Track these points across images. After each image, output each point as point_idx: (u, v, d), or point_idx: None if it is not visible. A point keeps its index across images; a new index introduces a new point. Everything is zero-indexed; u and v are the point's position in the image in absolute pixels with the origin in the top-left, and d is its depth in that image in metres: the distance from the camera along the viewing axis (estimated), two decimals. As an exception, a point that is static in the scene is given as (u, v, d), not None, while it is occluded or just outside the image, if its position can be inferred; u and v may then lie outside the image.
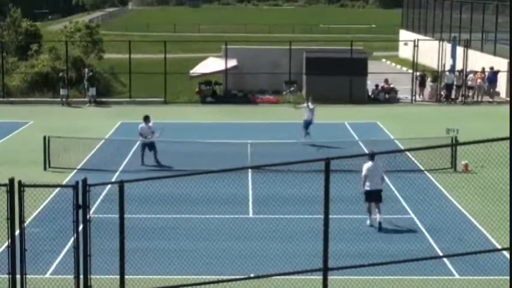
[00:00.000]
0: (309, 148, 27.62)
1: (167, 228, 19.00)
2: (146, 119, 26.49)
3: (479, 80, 40.74)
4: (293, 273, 15.13)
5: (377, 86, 41.17)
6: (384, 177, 19.77)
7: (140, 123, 26.54)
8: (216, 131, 31.42)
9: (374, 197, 19.30)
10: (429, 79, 41.64)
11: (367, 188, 19.29)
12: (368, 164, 19.33)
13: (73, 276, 13.94)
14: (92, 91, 39.33)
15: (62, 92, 39.07)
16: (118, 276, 13.80)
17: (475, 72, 41.05)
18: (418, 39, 42.83)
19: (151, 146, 26.05)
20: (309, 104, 29.66)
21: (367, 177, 19.27)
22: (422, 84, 41.16)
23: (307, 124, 29.27)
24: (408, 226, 19.41)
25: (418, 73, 41.64)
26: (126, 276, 13.88)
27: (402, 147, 26.82)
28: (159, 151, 26.17)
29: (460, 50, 42.39)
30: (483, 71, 40.99)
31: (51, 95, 40.30)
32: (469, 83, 40.88)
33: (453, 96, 40.88)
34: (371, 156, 19.20)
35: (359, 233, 18.69)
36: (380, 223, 19.06)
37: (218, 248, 17.54)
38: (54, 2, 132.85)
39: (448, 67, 41.74)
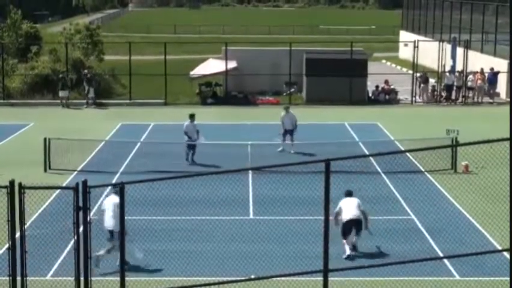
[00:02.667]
0: (309, 149, 27.56)
1: (167, 229, 19.00)
2: (192, 117, 26.53)
3: (479, 81, 40.72)
4: (294, 274, 15.12)
5: (377, 87, 41.15)
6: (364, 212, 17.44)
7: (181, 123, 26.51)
8: (216, 132, 31.38)
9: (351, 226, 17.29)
10: (433, 80, 41.57)
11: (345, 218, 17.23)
12: (344, 200, 17.52)
13: (73, 278, 13.96)
14: (91, 92, 39.31)
15: (62, 93, 39.02)
16: (118, 278, 13.82)
17: (474, 73, 41.04)
18: (418, 40, 42.83)
19: (192, 145, 26.18)
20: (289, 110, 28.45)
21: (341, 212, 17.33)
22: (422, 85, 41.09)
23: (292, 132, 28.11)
24: (408, 227, 19.40)
25: (418, 74, 41.60)
26: (126, 278, 13.90)
27: (402, 148, 26.83)
28: (162, 153, 26.19)
29: (460, 50, 42.39)
30: (482, 71, 40.97)
31: (51, 97, 40.29)
32: (469, 83, 40.88)
33: (453, 97, 40.88)
34: (348, 194, 17.70)
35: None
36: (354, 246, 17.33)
37: (218, 250, 17.55)
38: (55, 3, 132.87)
39: (448, 68, 41.74)
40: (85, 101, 39.39)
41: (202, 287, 15.17)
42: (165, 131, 32.11)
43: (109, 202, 16.52)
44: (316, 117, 35.09)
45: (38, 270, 15.67)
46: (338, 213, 17.28)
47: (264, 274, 15.28)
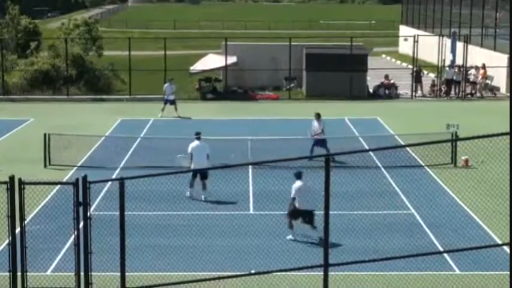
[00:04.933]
0: (309, 144, 27.54)
1: (167, 225, 18.99)
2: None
3: (480, 79, 40.62)
4: (294, 269, 15.13)
5: (378, 86, 40.97)
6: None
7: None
8: (216, 128, 31.37)
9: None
10: (425, 72, 41.50)
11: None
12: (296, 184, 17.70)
13: (73, 273, 13.97)
14: None
15: None
16: (118, 273, 13.82)
17: (477, 68, 40.94)
18: (418, 35, 42.78)
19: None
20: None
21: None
22: (418, 80, 41.00)
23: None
24: (408, 221, 19.40)
25: (414, 68, 41.52)
26: (127, 273, 13.90)
27: (402, 143, 26.81)
28: (162, 148, 26.14)
29: (459, 45, 42.37)
30: (484, 66, 40.89)
31: (51, 93, 40.28)
32: (472, 77, 40.81)
33: (453, 91, 40.82)
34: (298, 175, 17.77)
35: (359, 229, 18.67)
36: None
37: (219, 245, 17.55)
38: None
39: (447, 62, 41.71)
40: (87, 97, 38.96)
41: (202, 282, 15.17)
42: (165, 127, 32.11)
43: None
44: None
45: (38, 265, 15.68)
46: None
47: (264, 269, 15.28)
